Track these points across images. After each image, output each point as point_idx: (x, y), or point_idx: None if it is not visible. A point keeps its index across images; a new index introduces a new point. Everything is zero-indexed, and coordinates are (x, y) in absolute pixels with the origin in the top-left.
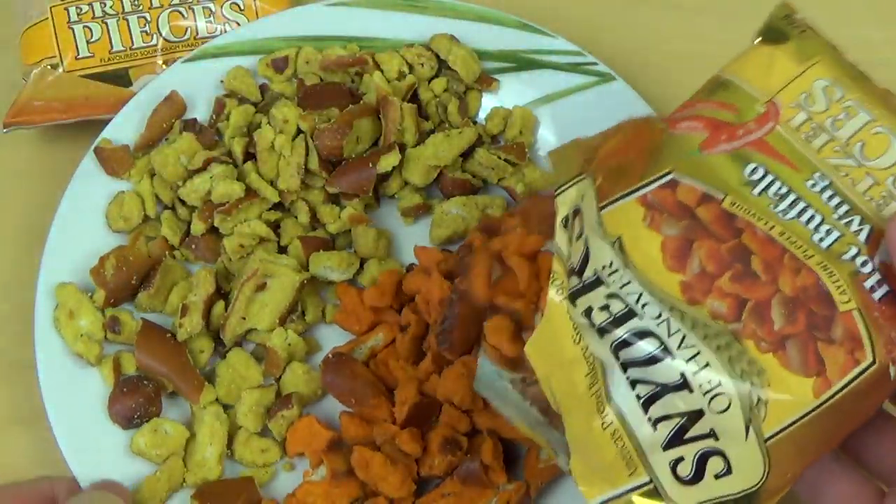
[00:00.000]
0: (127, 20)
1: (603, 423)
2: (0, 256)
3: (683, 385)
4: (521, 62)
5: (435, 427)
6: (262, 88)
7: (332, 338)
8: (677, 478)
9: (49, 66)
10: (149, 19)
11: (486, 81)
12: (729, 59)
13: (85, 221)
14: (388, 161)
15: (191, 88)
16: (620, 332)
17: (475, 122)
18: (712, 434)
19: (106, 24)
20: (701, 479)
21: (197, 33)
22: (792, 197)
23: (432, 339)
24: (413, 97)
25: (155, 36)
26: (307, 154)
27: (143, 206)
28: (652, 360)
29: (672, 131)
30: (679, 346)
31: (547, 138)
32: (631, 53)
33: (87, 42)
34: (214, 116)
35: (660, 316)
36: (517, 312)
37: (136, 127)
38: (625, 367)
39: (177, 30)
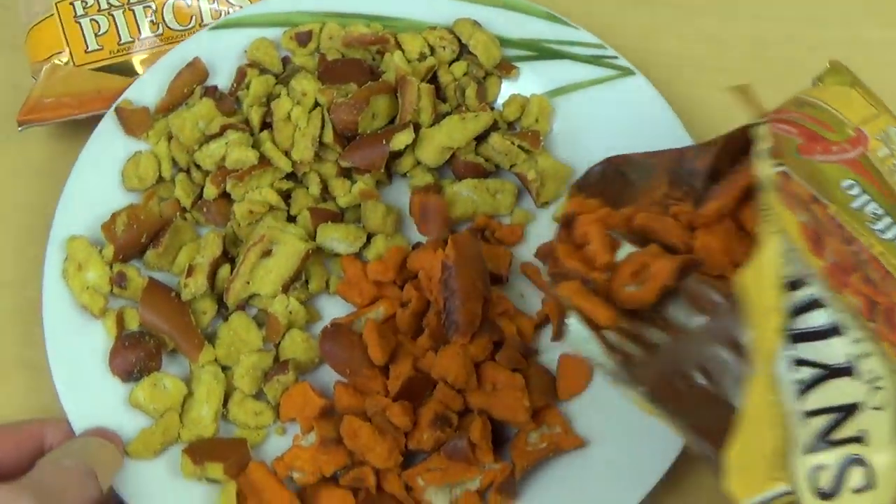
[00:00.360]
0: (133, 11)
1: (775, 400)
2: (12, 253)
3: (848, 370)
4: (543, 52)
5: (427, 402)
6: (284, 61)
7: (333, 309)
8: (817, 490)
9: (58, 62)
10: (154, 8)
11: (505, 68)
12: (745, 60)
13: (100, 178)
14: (401, 139)
15: (214, 56)
16: (801, 295)
17: (493, 108)
18: (860, 438)
19: (112, 16)
20: (839, 494)
21: (202, 20)
22: (888, 219)
23: (432, 316)
24: (432, 79)
25: (161, 25)
26: (323, 127)
27: (158, 167)
28: (824, 334)
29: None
30: (846, 327)
31: (563, 128)
32: (653, 50)
33: (96, 35)
34: (235, 85)
35: (823, 292)
36: (593, 283)
37: (157, 90)
38: (796, 339)
39: (181, 17)
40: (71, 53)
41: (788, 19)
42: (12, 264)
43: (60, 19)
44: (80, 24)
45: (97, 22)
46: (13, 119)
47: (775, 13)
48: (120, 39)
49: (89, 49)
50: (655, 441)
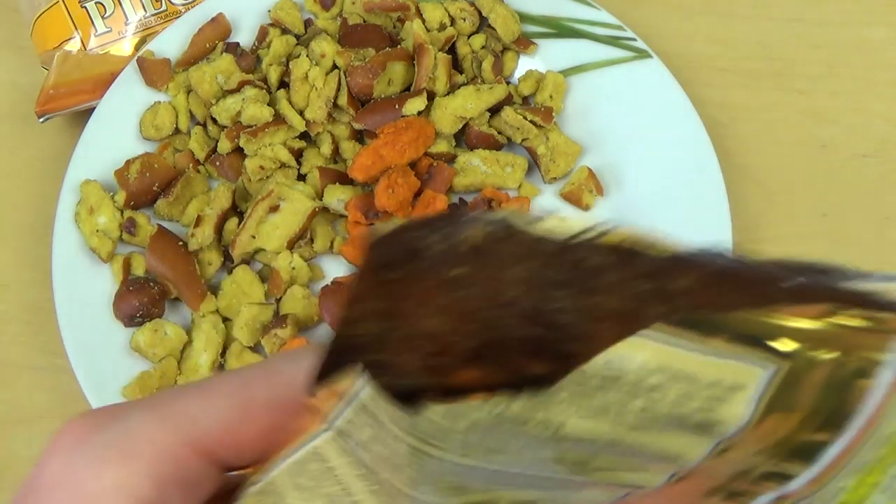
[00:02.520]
0: None
1: None
2: (13, 255)
3: None
4: (562, 30)
5: None
6: (307, 23)
7: (336, 269)
8: None
9: (69, 49)
10: None
11: (524, 44)
12: (745, 60)
13: (118, 125)
14: (413, 105)
15: (238, 14)
16: None
17: (509, 83)
18: None
19: None
20: None
21: None
22: None
23: None
24: (450, 50)
25: (164, 1)
26: (338, 89)
27: (176, 119)
28: None
29: None
30: None
31: (576, 106)
32: (672, 34)
33: (103, 18)
34: (257, 43)
35: None
36: None
37: (180, 44)
38: None
39: None
40: (82, 39)
41: (789, 19)
42: (13, 266)
43: (66, 6)
44: (86, 8)
45: (102, 5)
46: (18, 117)
47: (776, 13)
48: (127, 20)
49: (98, 32)
50: None
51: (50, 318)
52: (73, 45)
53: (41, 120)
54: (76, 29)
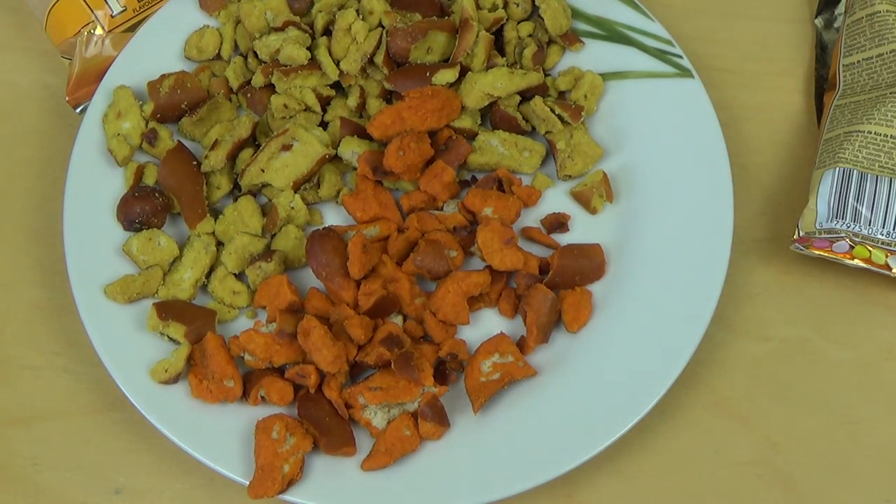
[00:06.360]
0: None
1: None
2: (11, 254)
3: None
4: (613, 34)
5: (387, 322)
6: None
7: (337, 219)
8: None
9: (89, 33)
10: None
11: (570, 39)
12: (745, 60)
13: (164, 41)
14: (444, 76)
15: None
16: None
17: (548, 75)
18: None
19: None
20: None
21: None
22: None
23: (422, 244)
24: (497, 32)
25: None
26: (378, 47)
27: (220, 46)
28: None
29: None
30: None
31: (607, 111)
32: (672, 35)
33: None
34: None
35: None
36: None
37: None
38: None
39: None
40: (98, 21)
41: (788, 19)
42: (13, 266)
43: None
44: None
45: None
46: (18, 117)
47: (776, 13)
48: None
49: (115, 14)
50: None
51: (49, 317)
52: (94, 29)
53: (77, 110)
54: (93, 14)
